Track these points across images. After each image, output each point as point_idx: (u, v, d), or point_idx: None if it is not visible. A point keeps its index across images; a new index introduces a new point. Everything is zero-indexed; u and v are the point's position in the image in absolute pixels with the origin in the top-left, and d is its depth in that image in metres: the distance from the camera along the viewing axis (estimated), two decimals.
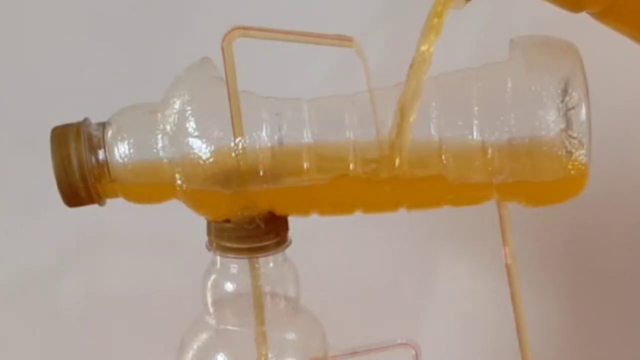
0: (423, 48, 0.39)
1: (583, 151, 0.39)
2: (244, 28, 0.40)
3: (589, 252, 0.67)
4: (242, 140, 0.41)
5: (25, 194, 0.66)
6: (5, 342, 0.68)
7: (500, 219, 0.43)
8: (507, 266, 0.44)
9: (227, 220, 0.43)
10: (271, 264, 0.44)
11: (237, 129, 0.41)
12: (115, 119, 0.42)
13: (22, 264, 0.67)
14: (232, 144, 0.41)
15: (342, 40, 0.42)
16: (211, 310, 0.45)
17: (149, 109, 0.42)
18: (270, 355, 0.45)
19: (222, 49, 0.40)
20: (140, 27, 0.63)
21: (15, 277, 0.67)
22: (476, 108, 0.40)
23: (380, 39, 0.61)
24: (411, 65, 0.40)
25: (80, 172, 0.41)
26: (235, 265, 0.44)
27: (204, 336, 0.46)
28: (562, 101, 0.39)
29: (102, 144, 0.42)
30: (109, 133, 0.42)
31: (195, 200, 0.42)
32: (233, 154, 0.41)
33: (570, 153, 0.39)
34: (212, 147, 0.41)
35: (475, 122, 0.40)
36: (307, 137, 0.41)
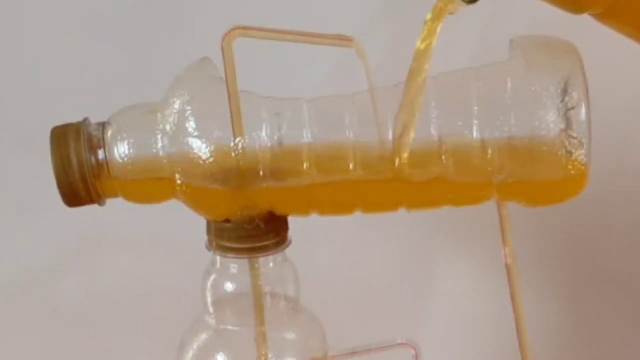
0: (423, 44, 0.39)
1: (583, 151, 0.39)
2: (244, 28, 0.40)
3: (589, 252, 0.67)
4: (242, 140, 0.41)
5: (25, 194, 0.66)
6: (5, 342, 0.68)
7: (500, 219, 0.43)
8: (507, 266, 0.44)
9: (227, 220, 0.43)
10: (271, 264, 0.44)
11: (237, 129, 0.41)
12: (115, 119, 0.42)
13: (22, 264, 0.67)
14: (232, 144, 0.41)
15: (342, 40, 0.42)
16: (211, 310, 0.45)
17: (149, 109, 0.42)
18: (270, 355, 0.45)
19: (222, 49, 0.40)
20: (140, 27, 0.63)
21: (15, 277, 0.67)
22: (476, 108, 0.40)
23: (380, 39, 0.61)
24: (412, 65, 0.40)
25: (80, 172, 0.41)
26: (235, 265, 0.44)
27: (204, 336, 0.46)
28: (562, 101, 0.39)
29: (102, 144, 0.42)
30: (109, 133, 0.42)
31: (195, 200, 0.42)
32: (233, 154, 0.41)
33: (570, 153, 0.39)
34: (212, 147, 0.41)
35: (475, 122, 0.40)
36: (307, 137, 0.41)
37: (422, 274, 0.68)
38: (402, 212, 0.43)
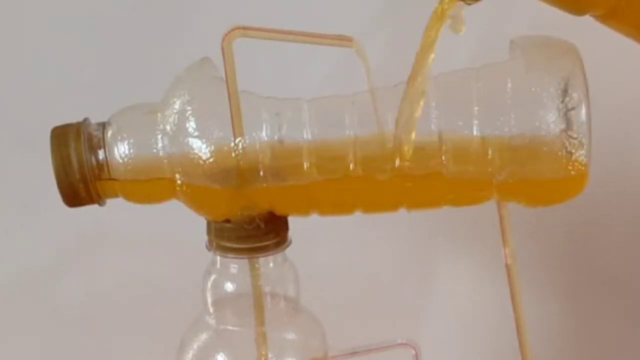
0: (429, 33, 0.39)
1: (583, 151, 0.39)
2: (244, 28, 0.40)
3: (589, 252, 0.67)
4: (242, 140, 0.41)
5: (25, 194, 0.66)
6: (5, 342, 0.68)
7: (500, 219, 0.43)
8: (507, 266, 0.44)
9: (227, 220, 0.43)
10: (271, 264, 0.44)
11: (237, 129, 0.41)
12: (115, 119, 0.42)
13: (22, 264, 0.67)
14: (232, 144, 0.41)
15: (342, 40, 0.42)
16: (211, 310, 0.45)
17: (149, 109, 0.42)
18: (270, 355, 0.45)
19: (222, 49, 0.40)
20: (140, 27, 0.63)
21: (15, 277, 0.67)
22: (476, 108, 0.40)
23: (381, 39, 0.61)
24: (415, 63, 0.40)
25: (80, 172, 0.41)
26: (235, 265, 0.44)
27: (204, 336, 0.46)
28: (562, 102, 0.39)
29: (102, 144, 0.42)
30: (109, 133, 0.42)
31: (195, 200, 0.42)
32: (233, 154, 0.41)
33: (571, 153, 0.39)
34: (212, 147, 0.41)
35: (476, 122, 0.40)
36: (307, 137, 0.41)
37: (422, 274, 0.68)
38: (402, 212, 0.43)
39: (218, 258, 0.44)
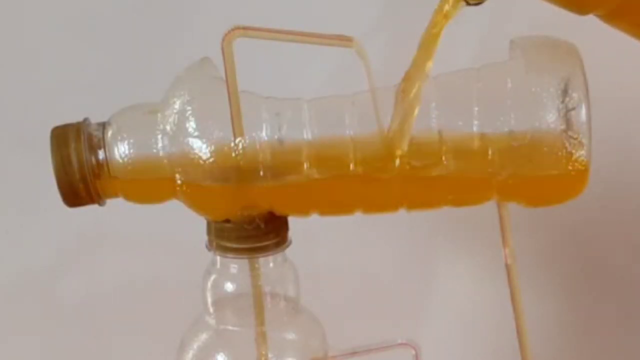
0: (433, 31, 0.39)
1: (583, 152, 0.39)
2: (244, 28, 0.40)
3: (589, 252, 0.67)
4: (242, 140, 0.41)
5: (25, 194, 0.66)
6: (5, 342, 0.68)
7: (500, 219, 0.43)
8: (507, 266, 0.44)
9: (227, 220, 0.43)
10: (271, 264, 0.44)
11: (237, 129, 0.41)
12: (115, 119, 0.42)
13: (22, 264, 0.67)
14: (232, 144, 0.41)
15: (342, 40, 0.42)
16: (211, 310, 0.45)
17: (149, 109, 0.42)
18: (270, 355, 0.45)
19: (222, 49, 0.40)
20: (140, 28, 0.63)
21: (15, 277, 0.67)
22: (476, 108, 0.40)
23: (381, 39, 0.61)
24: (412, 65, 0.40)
25: (80, 172, 0.41)
26: (235, 265, 0.44)
27: (204, 336, 0.46)
28: (562, 102, 0.39)
29: (102, 144, 0.42)
30: (109, 133, 0.42)
31: (195, 200, 0.42)
32: (233, 154, 0.41)
33: (571, 154, 0.39)
34: (212, 147, 0.41)
35: (476, 122, 0.40)
36: (307, 137, 0.41)
37: (422, 274, 0.68)
38: (402, 212, 0.43)
39: (218, 258, 0.44)
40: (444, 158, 0.41)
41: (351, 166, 0.41)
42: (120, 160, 0.42)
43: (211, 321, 0.45)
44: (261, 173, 0.41)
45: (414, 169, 0.41)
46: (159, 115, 0.42)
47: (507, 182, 0.41)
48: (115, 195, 0.43)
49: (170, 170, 0.42)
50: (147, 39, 0.63)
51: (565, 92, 0.39)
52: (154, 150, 0.42)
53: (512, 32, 0.43)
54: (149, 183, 0.42)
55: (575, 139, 0.39)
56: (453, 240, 0.67)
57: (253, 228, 0.43)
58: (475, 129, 0.40)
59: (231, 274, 0.44)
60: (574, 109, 0.39)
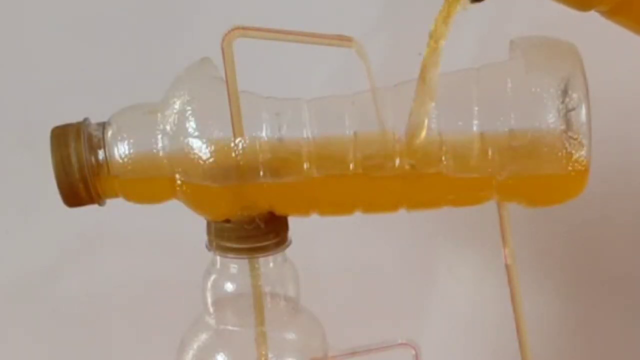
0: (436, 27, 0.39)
1: (583, 152, 0.39)
2: (244, 28, 0.40)
3: (589, 252, 0.67)
4: (242, 140, 0.41)
5: (25, 194, 0.66)
6: (5, 342, 0.68)
7: (500, 219, 0.43)
8: (507, 266, 0.44)
9: (227, 220, 0.43)
10: (271, 264, 0.44)
11: (237, 129, 0.41)
12: (115, 119, 0.42)
13: (22, 264, 0.67)
14: (232, 144, 0.41)
15: (342, 40, 0.42)
16: (211, 310, 0.45)
17: (149, 109, 0.42)
18: (270, 355, 0.45)
19: (222, 49, 0.40)
20: (140, 28, 0.63)
21: (15, 277, 0.67)
22: (476, 108, 0.40)
23: (381, 39, 0.61)
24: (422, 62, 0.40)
25: (80, 172, 0.41)
26: (235, 265, 0.44)
27: (204, 336, 0.46)
28: (562, 102, 0.39)
29: (102, 144, 0.42)
30: (109, 133, 0.42)
31: (195, 200, 0.42)
32: (233, 154, 0.41)
33: (571, 154, 0.39)
34: (212, 147, 0.41)
35: (476, 122, 0.40)
36: (307, 137, 0.41)
37: (422, 274, 0.68)
38: (402, 212, 0.43)
39: (218, 258, 0.44)
40: (444, 158, 0.41)
41: (351, 166, 0.41)
42: (120, 160, 0.42)
43: (211, 321, 0.45)
44: (261, 173, 0.41)
45: (413, 168, 0.41)
46: (159, 115, 0.42)
47: (507, 182, 0.41)
48: (115, 195, 0.43)
49: (170, 170, 0.42)
50: (147, 39, 0.63)
51: (565, 93, 0.39)
52: (154, 150, 0.42)
53: (512, 32, 0.43)
54: (149, 183, 0.42)
55: (575, 139, 0.39)
56: (453, 240, 0.67)
57: (253, 228, 0.43)
58: (475, 129, 0.40)
59: (231, 274, 0.44)
60: (574, 109, 0.39)
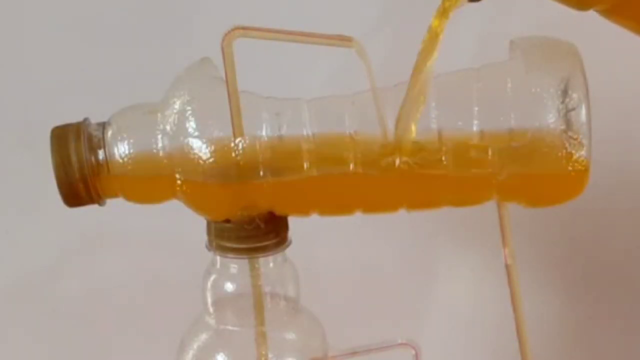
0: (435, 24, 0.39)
1: (583, 152, 0.39)
2: (244, 28, 0.40)
3: (589, 252, 0.67)
4: (242, 141, 0.41)
5: (25, 194, 0.66)
6: (5, 342, 0.68)
7: (500, 219, 0.43)
8: (507, 266, 0.44)
9: (227, 220, 0.43)
10: (271, 264, 0.44)
11: (237, 129, 0.41)
12: (115, 119, 0.42)
13: (22, 264, 0.67)
14: (232, 144, 0.41)
15: (343, 40, 0.42)
16: (211, 310, 0.45)
17: (149, 109, 0.42)
18: (270, 355, 0.45)
19: (222, 49, 0.40)
20: (140, 28, 0.63)
21: (15, 277, 0.67)
22: (476, 108, 0.40)
23: (381, 39, 0.61)
24: (416, 63, 0.40)
25: (80, 172, 0.41)
26: (235, 265, 0.44)
27: (204, 336, 0.46)
28: (562, 102, 0.39)
29: (102, 144, 0.42)
30: (109, 133, 0.42)
31: (195, 200, 0.42)
32: (233, 154, 0.41)
33: (571, 154, 0.39)
34: (212, 147, 0.41)
35: (476, 122, 0.40)
36: (307, 137, 0.41)
37: (422, 274, 0.68)
38: (402, 212, 0.43)
39: (218, 258, 0.44)
40: (444, 158, 0.41)
41: (351, 166, 0.41)
42: (120, 160, 0.42)
43: (211, 321, 0.45)
44: (261, 173, 0.41)
45: (413, 168, 0.41)
46: (159, 115, 0.42)
47: (507, 182, 0.41)
48: (115, 195, 0.43)
49: (170, 170, 0.42)
50: (147, 39, 0.63)
51: (565, 93, 0.39)
52: (154, 150, 0.42)
53: (512, 32, 0.43)
54: (149, 183, 0.42)
55: (575, 139, 0.39)
56: (453, 240, 0.67)
57: (253, 228, 0.43)
58: (475, 128, 0.40)
59: (231, 274, 0.44)
60: (574, 109, 0.39)
